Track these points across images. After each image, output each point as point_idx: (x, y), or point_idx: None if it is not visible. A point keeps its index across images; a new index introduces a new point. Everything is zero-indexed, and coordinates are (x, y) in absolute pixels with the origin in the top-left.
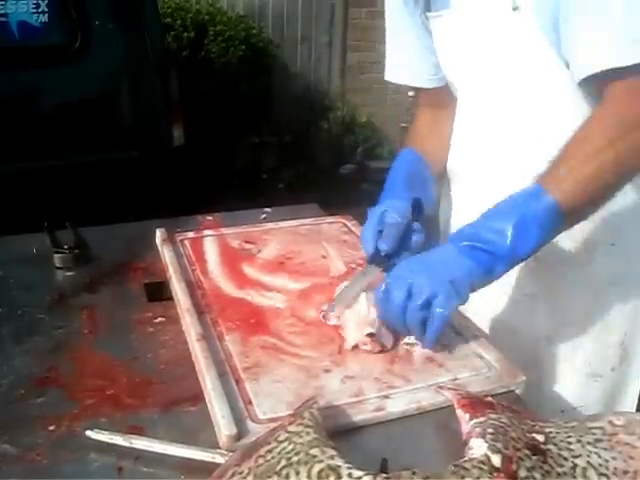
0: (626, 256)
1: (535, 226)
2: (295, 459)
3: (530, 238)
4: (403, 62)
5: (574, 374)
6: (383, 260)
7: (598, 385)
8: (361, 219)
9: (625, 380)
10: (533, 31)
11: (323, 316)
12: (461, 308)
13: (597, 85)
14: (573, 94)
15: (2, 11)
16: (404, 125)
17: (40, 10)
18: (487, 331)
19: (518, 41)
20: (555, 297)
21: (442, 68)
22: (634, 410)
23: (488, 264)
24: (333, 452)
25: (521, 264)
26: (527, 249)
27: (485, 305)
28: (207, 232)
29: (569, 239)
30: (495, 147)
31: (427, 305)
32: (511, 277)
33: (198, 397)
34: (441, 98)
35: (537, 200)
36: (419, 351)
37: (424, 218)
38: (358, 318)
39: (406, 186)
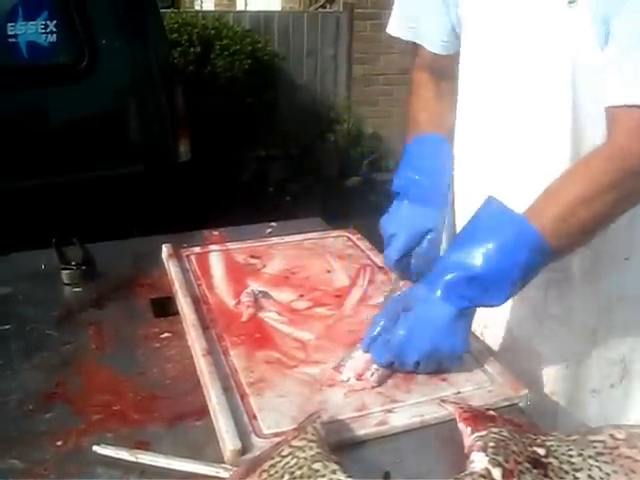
0: (638, 271)
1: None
2: (298, 473)
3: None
4: (413, 15)
5: (574, 390)
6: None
7: (596, 401)
8: (367, 231)
9: (625, 399)
10: (585, 29)
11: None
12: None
13: (610, 116)
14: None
15: (12, 32)
16: None
17: (49, 30)
18: (502, 349)
19: (568, 37)
20: (572, 314)
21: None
22: None
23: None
24: (335, 466)
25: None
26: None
27: (501, 324)
28: (213, 247)
29: (585, 251)
30: (509, 139)
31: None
32: (534, 297)
33: (203, 412)
34: (443, 66)
35: (527, 242)
36: None
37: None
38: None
39: (441, 191)
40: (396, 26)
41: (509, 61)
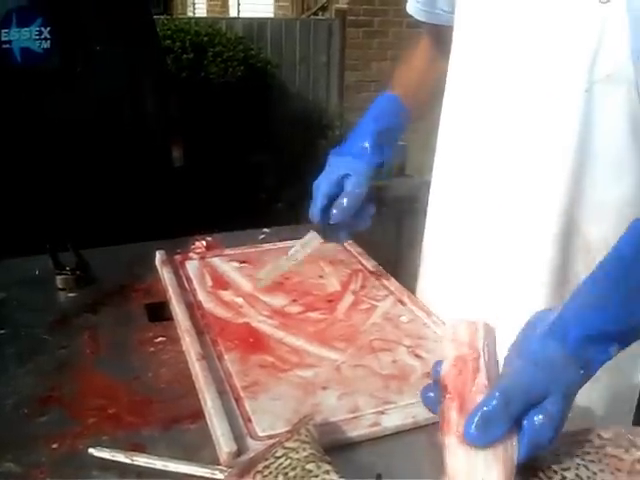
0: None
1: None
2: (292, 474)
3: None
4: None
5: None
6: (326, 228)
7: None
8: (359, 237)
9: None
10: (618, 30)
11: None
12: None
13: None
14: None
15: (6, 38)
16: (402, 143)
17: (42, 37)
18: None
19: (598, 39)
20: None
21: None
22: None
23: None
24: (328, 467)
25: None
26: None
27: None
28: (206, 253)
29: None
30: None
31: None
32: None
33: (198, 415)
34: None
35: None
36: (418, 368)
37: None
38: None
39: (375, 147)
40: (412, 7)
41: (513, 60)
